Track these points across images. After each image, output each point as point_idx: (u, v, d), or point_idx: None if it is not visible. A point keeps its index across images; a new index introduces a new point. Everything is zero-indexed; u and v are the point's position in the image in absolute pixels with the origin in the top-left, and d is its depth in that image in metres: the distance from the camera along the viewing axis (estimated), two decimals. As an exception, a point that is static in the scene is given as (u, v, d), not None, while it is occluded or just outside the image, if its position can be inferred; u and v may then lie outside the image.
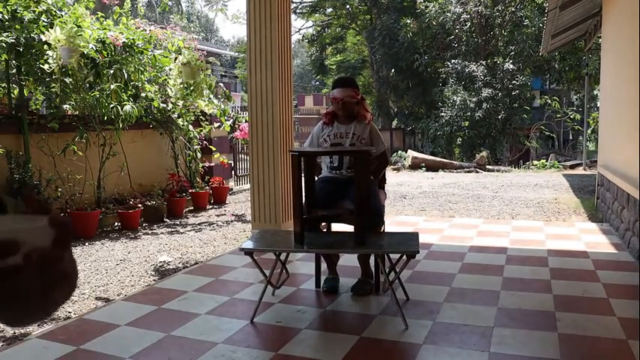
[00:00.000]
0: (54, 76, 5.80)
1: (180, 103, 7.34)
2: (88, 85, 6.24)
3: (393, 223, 6.07)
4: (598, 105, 11.80)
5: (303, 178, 3.39)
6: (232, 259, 4.57)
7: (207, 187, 8.16)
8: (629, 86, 4.75)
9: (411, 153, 14.69)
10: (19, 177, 5.42)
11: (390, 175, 11.51)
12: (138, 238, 5.90)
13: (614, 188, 5.50)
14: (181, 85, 7.17)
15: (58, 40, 5.51)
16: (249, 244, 3.32)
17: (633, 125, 4.37)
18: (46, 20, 5.80)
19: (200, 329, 3.03)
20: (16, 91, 5.96)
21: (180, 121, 7.42)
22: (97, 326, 3.10)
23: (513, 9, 18.19)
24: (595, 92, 15.78)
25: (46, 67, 5.65)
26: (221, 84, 8.83)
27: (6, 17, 5.50)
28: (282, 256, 3.44)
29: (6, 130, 5.69)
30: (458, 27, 18.52)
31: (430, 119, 18.90)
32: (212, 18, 48.84)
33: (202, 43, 28.05)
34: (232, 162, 9.90)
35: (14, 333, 3.21)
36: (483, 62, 17.84)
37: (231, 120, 8.59)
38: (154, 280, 4.25)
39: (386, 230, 3.77)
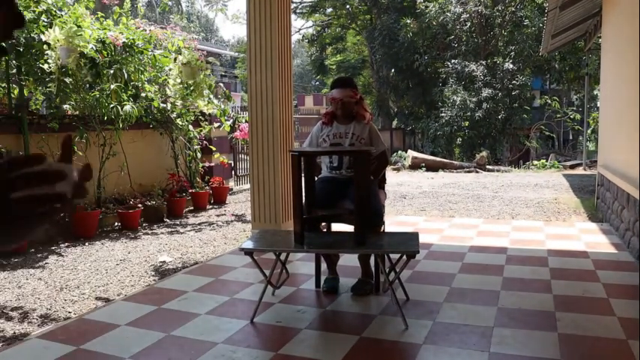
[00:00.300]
0: (52, 76, 5.80)
1: (179, 102, 7.34)
2: (87, 85, 6.24)
3: (393, 223, 6.07)
4: (598, 105, 11.80)
5: (303, 178, 3.39)
6: (232, 259, 4.57)
7: (207, 187, 8.16)
8: (629, 86, 4.75)
9: (411, 153, 14.69)
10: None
11: (390, 175, 11.51)
12: (138, 238, 5.90)
13: (614, 188, 5.50)
14: (181, 85, 7.17)
15: (58, 40, 5.51)
16: (249, 244, 3.32)
17: (633, 125, 4.38)
18: (46, 20, 5.80)
19: (200, 329, 3.03)
20: (16, 91, 5.96)
21: (180, 121, 7.42)
22: (97, 326, 3.10)
23: (513, 9, 18.19)
24: (595, 92, 15.78)
25: (45, 66, 5.65)
26: (221, 84, 8.83)
27: (6, 17, 5.50)
28: (282, 256, 3.44)
29: (6, 130, 5.69)
30: (458, 27, 18.52)
31: (430, 119, 18.90)
32: (212, 18, 48.88)
33: (202, 43, 28.07)
34: (232, 162, 9.90)
35: (14, 333, 3.21)
36: (483, 62, 17.85)
37: (231, 120, 8.59)
38: (154, 280, 4.25)
39: (386, 230, 3.77)
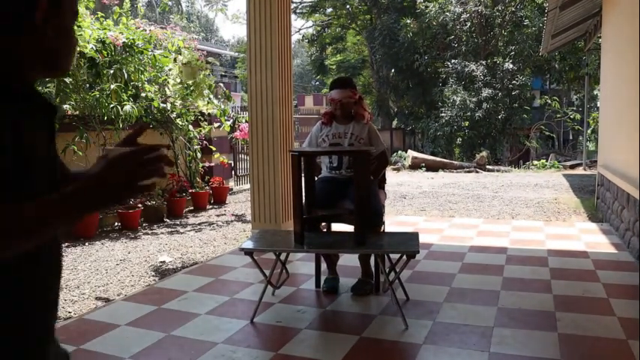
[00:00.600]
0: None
1: (179, 102, 7.34)
2: (87, 85, 6.24)
3: (393, 223, 6.07)
4: (598, 105, 11.80)
5: (303, 178, 3.39)
6: (232, 259, 4.57)
7: (207, 187, 8.16)
8: (629, 86, 4.75)
9: (411, 153, 14.69)
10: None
11: (390, 175, 11.51)
12: (138, 238, 5.90)
13: (614, 188, 5.50)
14: (181, 85, 7.17)
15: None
16: (249, 244, 3.32)
17: (633, 125, 4.38)
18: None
19: (200, 329, 3.03)
20: (16, 91, 5.96)
21: (179, 121, 7.42)
22: (97, 326, 3.10)
23: (513, 9, 18.19)
24: (595, 92, 15.78)
25: None
26: (221, 84, 8.83)
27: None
28: (282, 256, 3.44)
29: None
30: (458, 27, 18.52)
31: (430, 119, 18.90)
32: (212, 18, 48.87)
33: (202, 43, 28.06)
34: (232, 162, 9.90)
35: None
36: (483, 62, 17.84)
37: (231, 120, 8.59)
38: (154, 280, 4.25)
39: (386, 230, 3.77)
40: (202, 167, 8.16)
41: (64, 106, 6.20)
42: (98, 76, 6.18)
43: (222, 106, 7.90)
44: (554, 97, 18.97)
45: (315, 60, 25.66)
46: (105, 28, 6.34)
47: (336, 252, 3.65)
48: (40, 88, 6.18)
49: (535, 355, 2.63)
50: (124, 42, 6.38)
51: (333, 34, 25.01)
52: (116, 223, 6.50)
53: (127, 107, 6.16)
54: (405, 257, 3.06)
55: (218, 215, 7.35)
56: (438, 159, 14.66)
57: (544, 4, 14.11)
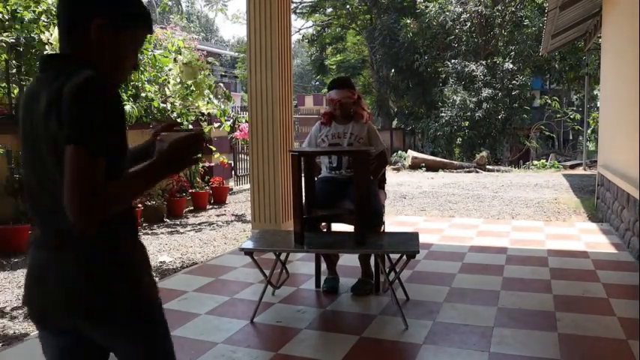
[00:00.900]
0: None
1: (179, 103, 7.33)
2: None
3: (393, 223, 6.07)
4: (598, 105, 11.80)
5: (303, 178, 3.39)
6: (232, 259, 4.57)
7: (207, 187, 8.16)
8: (629, 86, 4.75)
9: (411, 153, 14.69)
10: (19, 176, 5.42)
11: (390, 175, 11.52)
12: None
13: (614, 188, 5.51)
14: (181, 85, 7.17)
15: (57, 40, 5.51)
16: (249, 244, 3.32)
17: (633, 125, 4.38)
18: (46, 20, 5.79)
19: (200, 329, 3.03)
20: (16, 91, 5.96)
21: (180, 121, 7.42)
22: (97, 326, 3.10)
23: (513, 9, 18.19)
24: (595, 92, 15.78)
25: None
26: (221, 84, 8.83)
27: (6, 17, 5.49)
28: (282, 256, 3.44)
29: (6, 129, 5.69)
30: (458, 27, 18.52)
31: (430, 119, 18.90)
32: (212, 18, 48.87)
33: (202, 43, 28.07)
34: (232, 162, 9.90)
35: (14, 333, 3.21)
36: (483, 62, 17.84)
37: (231, 120, 8.59)
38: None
39: (386, 230, 3.77)
40: (202, 167, 8.16)
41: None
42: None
43: (222, 106, 7.90)
44: (554, 97, 18.97)
45: (315, 60, 25.66)
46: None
47: (336, 252, 3.65)
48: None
49: (535, 355, 2.63)
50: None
51: (333, 34, 25.01)
52: (116, 223, 6.49)
53: (127, 107, 6.15)
54: (405, 257, 3.06)
55: (218, 215, 7.35)
56: (438, 159, 14.66)
57: (544, 4, 14.11)
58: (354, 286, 3.62)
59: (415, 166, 13.79)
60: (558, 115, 17.83)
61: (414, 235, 3.32)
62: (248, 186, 7.76)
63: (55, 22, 5.72)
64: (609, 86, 6.41)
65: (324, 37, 25.02)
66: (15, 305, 3.71)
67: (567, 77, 19.01)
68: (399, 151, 15.56)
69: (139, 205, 6.56)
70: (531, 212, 7.03)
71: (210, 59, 8.45)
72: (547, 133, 18.51)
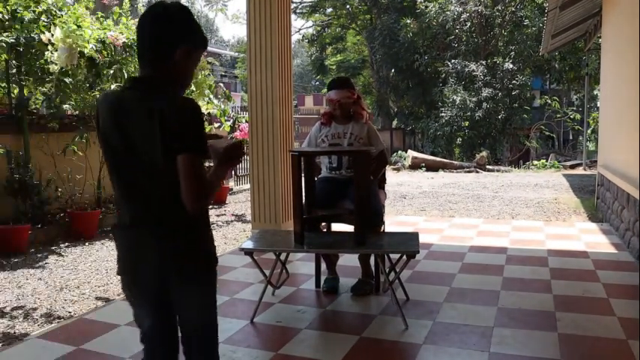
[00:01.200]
0: (52, 76, 5.79)
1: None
2: (87, 85, 6.23)
3: (393, 223, 6.07)
4: (598, 105, 11.80)
5: (303, 178, 3.39)
6: (232, 259, 4.57)
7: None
8: (629, 86, 4.75)
9: (411, 153, 14.69)
10: (20, 177, 5.42)
11: (390, 175, 11.52)
12: (138, 238, 5.89)
13: (614, 188, 5.51)
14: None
15: (62, 41, 5.50)
16: (249, 244, 3.32)
17: (633, 125, 4.38)
18: (46, 20, 5.79)
19: (200, 329, 3.02)
20: (16, 91, 5.96)
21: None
22: (97, 326, 3.10)
23: (513, 9, 18.19)
24: (595, 92, 15.78)
25: (54, 67, 5.58)
26: (221, 84, 8.83)
27: (6, 17, 5.49)
28: (282, 256, 3.44)
29: (6, 129, 5.69)
30: (458, 27, 18.52)
31: (430, 119, 18.90)
32: (212, 18, 48.84)
33: (202, 43, 27.97)
34: (232, 162, 9.88)
35: (14, 333, 3.21)
36: (483, 62, 17.84)
37: (231, 120, 8.59)
38: (154, 280, 4.24)
39: (386, 230, 3.77)
40: (202, 167, 8.14)
41: (64, 106, 6.20)
42: (98, 76, 6.17)
43: (222, 106, 7.89)
44: (554, 97, 18.97)
45: (315, 60, 25.66)
46: (105, 28, 6.33)
47: (336, 252, 3.65)
48: (41, 88, 6.20)
49: (535, 355, 2.63)
50: (124, 42, 6.37)
51: (333, 34, 25.02)
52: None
53: (127, 107, 6.15)
54: (405, 257, 3.06)
55: (218, 215, 7.35)
56: (438, 159, 14.67)
57: (544, 4, 14.11)
58: (354, 286, 3.62)
59: (415, 166, 13.79)
60: (558, 115, 17.83)
61: (414, 235, 3.32)
62: (248, 186, 7.76)
63: (56, 22, 5.72)
64: (609, 86, 6.41)
65: (324, 37, 25.02)
66: (15, 305, 3.71)
67: (567, 77, 19.01)
68: (399, 151, 15.56)
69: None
70: (531, 212, 7.03)
71: (210, 59, 8.44)
72: (547, 133, 18.51)
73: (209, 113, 7.96)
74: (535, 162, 14.86)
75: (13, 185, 5.39)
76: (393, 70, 21.91)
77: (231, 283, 3.94)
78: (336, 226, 3.88)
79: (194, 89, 7.21)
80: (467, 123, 17.39)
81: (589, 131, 14.08)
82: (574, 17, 7.93)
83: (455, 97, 17.43)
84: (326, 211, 3.51)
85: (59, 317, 3.47)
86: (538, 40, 15.83)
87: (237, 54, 32.94)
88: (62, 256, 5.10)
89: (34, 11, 5.73)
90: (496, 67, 17.66)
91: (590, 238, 5.23)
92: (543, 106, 19.13)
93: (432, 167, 13.69)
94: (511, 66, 17.36)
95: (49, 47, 5.54)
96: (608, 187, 5.99)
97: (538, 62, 18.36)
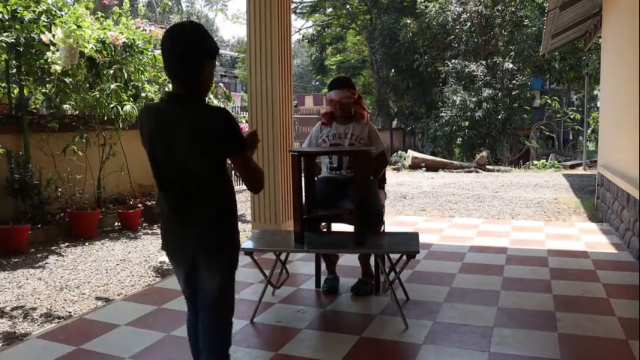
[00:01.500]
0: (52, 77, 5.79)
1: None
2: (87, 85, 6.23)
3: (393, 223, 6.07)
4: (598, 105, 11.80)
5: (303, 178, 3.39)
6: (232, 259, 4.56)
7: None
8: (629, 86, 4.75)
9: (411, 153, 14.70)
10: (20, 177, 5.42)
11: (390, 175, 11.52)
12: (138, 238, 5.90)
13: (614, 188, 5.51)
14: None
15: (64, 41, 5.49)
16: (249, 244, 3.32)
17: (633, 125, 4.38)
18: (46, 20, 5.79)
19: (200, 329, 3.02)
20: (16, 91, 5.96)
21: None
22: (97, 326, 3.10)
23: (513, 9, 18.20)
24: (595, 92, 15.79)
25: (56, 68, 5.57)
26: (221, 84, 8.83)
27: (6, 17, 5.49)
28: (282, 256, 3.44)
29: (6, 129, 5.69)
30: (458, 27, 18.53)
31: (430, 119, 18.91)
32: (212, 18, 48.83)
33: (202, 43, 27.96)
34: (232, 162, 9.89)
35: (14, 333, 3.21)
36: (483, 62, 17.85)
37: (231, 120, 8.58)
38: (154, 280, 4.25)
39: (386, 230, 3.77)
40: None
41: (64, 106, 6.20)
42: (98, 76, 6.17)
43: (222, 106, 7.89)
44: (554, 97, 18.98)
45: (315, 60, 25.67)
46: (105, 28, 6.33)
47: (336, 252, 3.65)
48: (41, 88, 6.20)
49: (535, 355, 2.63)
50: (124, 42, 6.38)
51: (333, 34, 25.03)
52: (116, 223, 6.49)
53: (127, 107, 6.15)
54: (405, 257, 3.05)
55: (218, 215, 7.34)
56: (438, 159, 14.67)
57: (544, 4, 14.11)
58: (354, 286, 3.62)
59: (415, 166, 13.79)
60: (558, 115, 17.84)
61: (414, 235, 3.32)
62: (248, 186, 7.75)
63: (56, 22, 5.73)
64: (609, 86, 6.41)
65: (324, 37, 25.03)
66: (15, 305, 3.71)
67: (567, 77, 19.02)
68: (399, 151, 15.57)
69: (139, 205, 6.56)
70: (531, 212, 7.03)
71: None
72: (547, 133, 18.52)
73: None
74: (535, 162, 14.86)
75: (13, 185, 5.39)
76: (393, 70, 21.92)
77: (231, 283, 3.93)
78: (336, 226, 3.88)
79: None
80: (467, 123, 17.40)
81: (589, 131, 14.09)
82: (574, 17, 7.93)
83: (455, 97, 17.43)
84: (326, 211, 3.51)
85: (59, 317, 3.47)
86: (538, 40, 15.83)
87: (237, 54, 32.95)
88: (62, 256, 5.10)
89: (34, 11, 5.73)
90: (496, 67, 17.67)
91: (590, 238, 5.23)
92: (543, 106, 19.14)
93: (432, 167, 13.70)
94: (511, 66, 17.37)
95: (51, 47, 5.54)
96: (608, 187, 5.99)
97: (538, 62, 18.37)
